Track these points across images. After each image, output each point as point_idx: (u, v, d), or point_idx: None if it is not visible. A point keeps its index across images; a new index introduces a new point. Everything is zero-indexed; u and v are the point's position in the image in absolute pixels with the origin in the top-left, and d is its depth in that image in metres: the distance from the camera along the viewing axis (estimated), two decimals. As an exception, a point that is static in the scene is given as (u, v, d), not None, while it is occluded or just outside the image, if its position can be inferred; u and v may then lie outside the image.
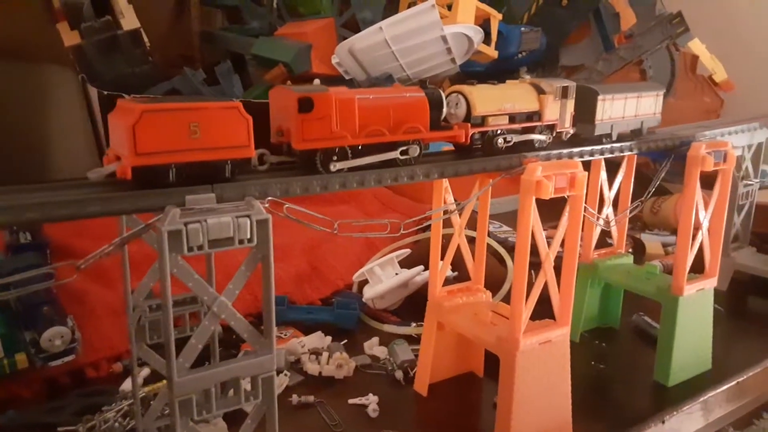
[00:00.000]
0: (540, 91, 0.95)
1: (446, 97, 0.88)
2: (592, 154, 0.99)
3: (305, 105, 0.74)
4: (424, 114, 0.84)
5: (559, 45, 2.30)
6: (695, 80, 2.16)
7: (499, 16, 2.14)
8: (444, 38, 1.90)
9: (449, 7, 2.02)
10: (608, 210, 1.21)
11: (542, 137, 0.95)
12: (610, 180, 1.18)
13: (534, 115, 0.94)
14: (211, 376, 0.67)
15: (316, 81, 0.84)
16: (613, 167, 1.17)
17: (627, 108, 1.07)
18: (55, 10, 1.76)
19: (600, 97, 1.01)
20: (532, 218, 0.86)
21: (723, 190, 1.09)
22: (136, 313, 0.79)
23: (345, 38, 1.89)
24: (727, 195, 1.09)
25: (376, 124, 0.80)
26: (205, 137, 0.67)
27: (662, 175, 1.08)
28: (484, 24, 2.13)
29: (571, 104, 0.99)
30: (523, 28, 2.17)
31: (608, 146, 1.01)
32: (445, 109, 0.87)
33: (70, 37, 1.71)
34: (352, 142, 0.78)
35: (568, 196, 0.90)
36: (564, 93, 0.97)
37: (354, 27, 1.97)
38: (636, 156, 1.15)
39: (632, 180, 1.19)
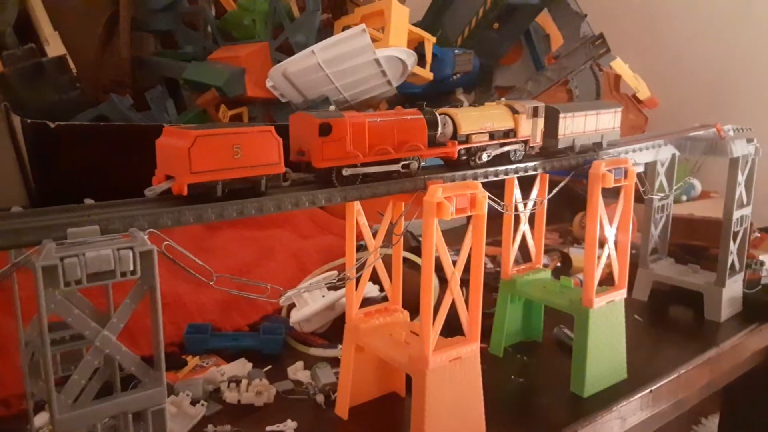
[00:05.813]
0: (514, 111, 1.06)
1: None
2: (497, 174, 1.02)
3: (325, 129, 0.84)
4: (423, 133, 0.94)
5: (492, 66, 2.37)
6: (619, 99, 2.25)
7: (433, 39, 2.20)
8: (377, 61, 1.93)
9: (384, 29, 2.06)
10: (525, 227, 1.24)
11: (516, 147, 1.07)
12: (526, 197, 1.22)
13: (510, 132, 1.05)
14: (96, 411, 0.66)
15: (332, 107, 0.93)
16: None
17: (587, 124, 1.17)
18: (-25, 38, 1.72)
19: (561, 115, 1.12)
20: (435, 238, 0.89)
21: (626, 205, 1.14)
22: (29, 349, 0.77)
23: (280, 62, 1.90)
24: (630, 209, 1.14)
25: (383, 143, 0.90)
26: (245, 157, 0.76)
27: (555, 190, 1.14)
28: (418, 47, 2.19)
29: (541, 122, 1.10)
30: (456, 51, 2.23)
31: (513, 167, 1.05)
32: (440, 129, 0.96)
33: (-9, 65, 1.67)
34: (363, 160, 0.88)
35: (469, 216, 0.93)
36: (535, 112, 1.08)
37: (289, 51, 1.99)
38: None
39: (546, 196, 1.23)
